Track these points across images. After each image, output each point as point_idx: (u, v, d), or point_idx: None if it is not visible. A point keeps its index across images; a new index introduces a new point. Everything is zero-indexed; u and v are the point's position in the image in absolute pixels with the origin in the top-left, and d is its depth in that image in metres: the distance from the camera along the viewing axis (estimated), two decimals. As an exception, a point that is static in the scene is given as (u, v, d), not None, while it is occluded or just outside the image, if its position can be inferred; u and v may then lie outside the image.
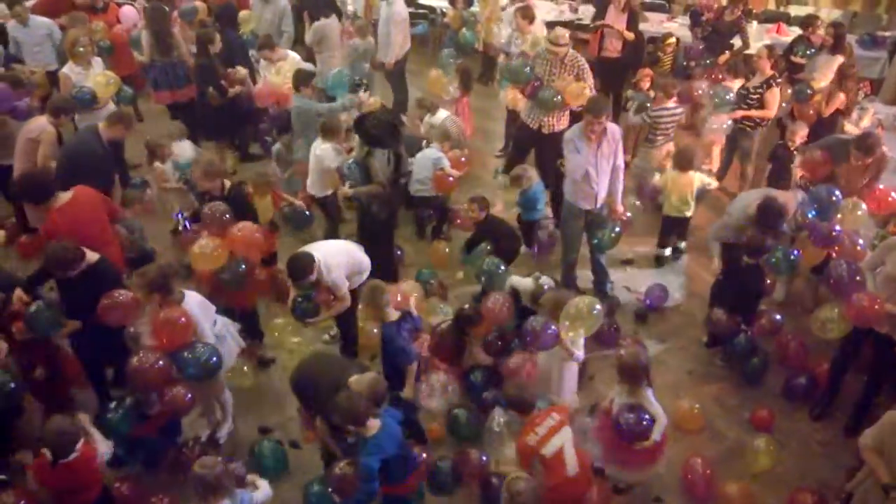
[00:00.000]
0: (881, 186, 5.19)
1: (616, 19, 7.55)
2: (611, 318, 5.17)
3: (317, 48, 7.63)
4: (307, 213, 5.71)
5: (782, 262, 4.70)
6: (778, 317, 4.93)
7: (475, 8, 8.75)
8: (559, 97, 5.83)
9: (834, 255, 4.69)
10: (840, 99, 6.45)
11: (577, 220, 5.31)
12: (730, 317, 4.77)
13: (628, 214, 5.81)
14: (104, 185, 5.04)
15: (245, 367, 4.74)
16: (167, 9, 7.37)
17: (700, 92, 6.74)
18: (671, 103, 6.47)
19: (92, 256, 4.02)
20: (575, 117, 5.92)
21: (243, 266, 4.43)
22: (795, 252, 4.77)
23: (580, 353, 4.06)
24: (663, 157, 6.43)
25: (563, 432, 3.45)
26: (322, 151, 5.65)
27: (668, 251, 6.18)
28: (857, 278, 4.16)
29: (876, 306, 4.00)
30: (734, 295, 4.86)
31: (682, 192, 5.79)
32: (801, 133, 6.11)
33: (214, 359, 3.86)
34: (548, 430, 3.43)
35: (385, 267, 5.23)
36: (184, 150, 6.21)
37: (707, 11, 8.10)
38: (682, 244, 6.24)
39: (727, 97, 6.35)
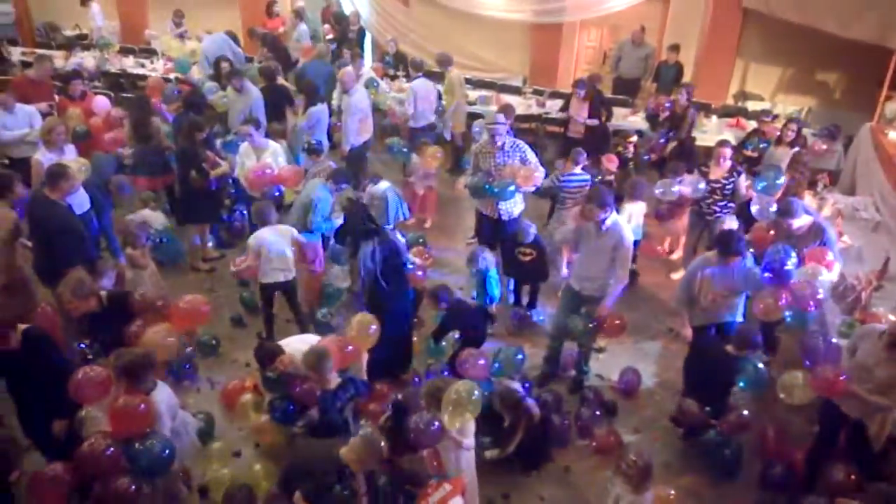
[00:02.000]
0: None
1: (578, 108, 8.16)
2: (587, 410, 5.12)
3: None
4: None
5: (753, 379, 4.59)
6: (746, 413, 4.73)
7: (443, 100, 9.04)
8: (511, 187, 5.99)
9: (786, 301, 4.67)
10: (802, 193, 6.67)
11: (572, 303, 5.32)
12: (699, 408, 4.67)
13: None
14: (84, 248, 5.24)
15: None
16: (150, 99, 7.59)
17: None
18: (578, 170, 6.60)
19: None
20: None
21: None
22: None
23: (469, 440, 3.99)
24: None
25: (454, 502, 3.59)
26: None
27: None
28: (831, 350, 4.14)
29: (840, 380, 3.97)
30: (703, 379, 4.77)
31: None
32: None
33: (167, 452, 3.64)
34: (438, 500, 3.57)
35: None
36: (156, 220, 6.46)
37: (661, 111, 8.42)
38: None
39: (699, 185, 6.38)
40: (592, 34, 11.26)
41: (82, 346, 4.40)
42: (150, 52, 11.77)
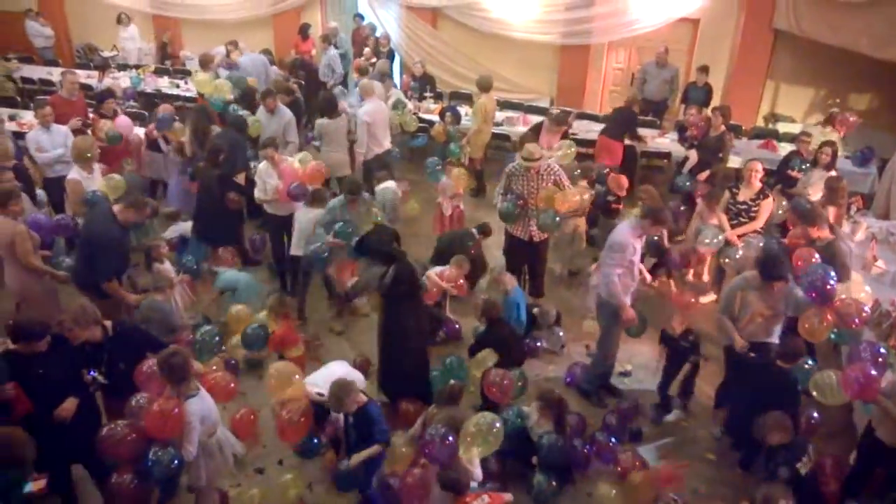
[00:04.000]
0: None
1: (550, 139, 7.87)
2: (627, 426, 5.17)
3: (318, 142, 8.23)
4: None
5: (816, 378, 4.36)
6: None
7: (466, 123, 9.05)
8: (558, 218, 6.01)
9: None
10: (833, 213, 6.53)
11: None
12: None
13: None
14: (121, 265, 5.45)
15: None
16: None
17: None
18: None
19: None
20: None
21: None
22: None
23: (478, 471, 4.01)
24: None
25: None
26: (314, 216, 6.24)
27: None
28: (877, 357, 4.04)
29: (873, 382, 3.88)
30: (763, 401, 4.55)
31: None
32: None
33: (174, 463, 3.70)
34: None
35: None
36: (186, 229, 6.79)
37: (693, 128, 8.40)
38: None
39: (716, 239, 6.37)
40: (620, 56, 11.24)
41: (92, 373, 4.37)
42: (184, 73, 12.07)
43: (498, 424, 3.89)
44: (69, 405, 4.07)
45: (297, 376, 4.49)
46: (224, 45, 10.35)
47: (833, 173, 7.15)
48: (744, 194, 6.31)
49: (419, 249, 7.06)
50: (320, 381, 4.65)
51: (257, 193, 6.82)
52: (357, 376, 4.85)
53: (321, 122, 8.05)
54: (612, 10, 10.25)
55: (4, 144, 6.76)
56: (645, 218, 5.17)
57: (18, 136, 8.17)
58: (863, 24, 8.26)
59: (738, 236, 6.48)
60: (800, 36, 9.28)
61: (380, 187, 7.37)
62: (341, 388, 4.17)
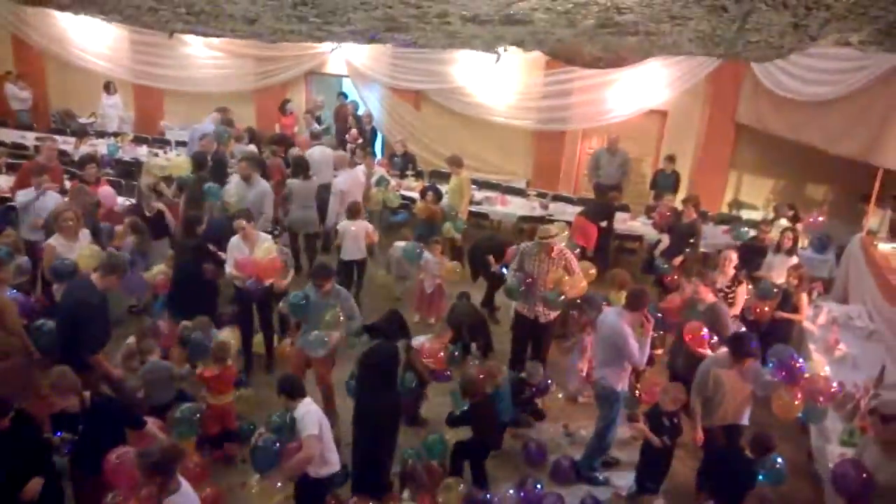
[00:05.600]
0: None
1: None
2: None
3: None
4: None
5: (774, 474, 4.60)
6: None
7: (445, 201, 9.21)
8: (562, 298, 6.18)
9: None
10: (803, 300, 6.85)
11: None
12: None
13: None
14: (104, 336, 5.28)
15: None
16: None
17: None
18: None
19: None
20: None
21: None
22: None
23: None
24: None
25: None
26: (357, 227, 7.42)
27: None
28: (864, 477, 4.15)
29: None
30: (728, 482, 4.71)
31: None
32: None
33: None
34: None
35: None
36: None
37: (657, 215, 8.83)
38: None
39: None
40: (593, 142, 11.80)
41: (59, 434, 4.28)
42: (163, 142, 12.19)
43: None
44: (34, 485, 3.94)
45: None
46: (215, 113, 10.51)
47: (794, 258, 7.52)
48: (719, 281, 6.54)
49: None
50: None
51: (228, 268, 6.62)
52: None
53: (291, 182, 8.42)
54: (588, 99, 10.81)
55: None
56: (629, 304, 5.33)
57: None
58: (819, 121, 8.87)
59: None
60: (761, 130, 9.90)
61: (394, 245, 8.09)
62: None
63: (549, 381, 6.28)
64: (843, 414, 5.58)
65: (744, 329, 6.24)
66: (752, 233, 8.47)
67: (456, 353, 6.05)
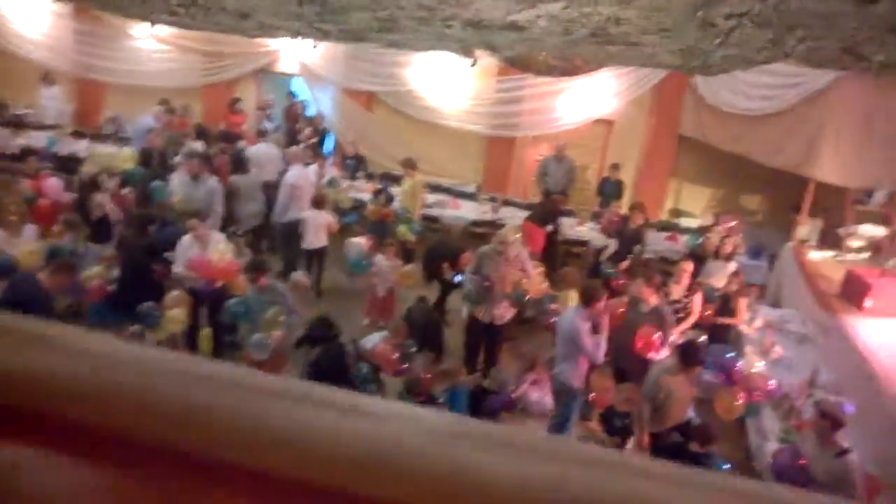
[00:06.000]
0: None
1: None
2: None
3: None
4: None
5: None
6: None
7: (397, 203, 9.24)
8: (527, 298, 6.35)
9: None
10: (741, 305, 7.19)
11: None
12: None
13: None
14: None
15: None
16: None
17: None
18: None
19: None
20: None
21: None
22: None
23: None
24: None
25: None
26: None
27: None
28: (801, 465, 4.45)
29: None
30: None
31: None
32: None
33: None
34: None
35: None
36: None
37: (604, 221, 9.14)
38: None
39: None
40: (542, 149, 12.04)
41: None
42: (105, 137, 11.82)
43: None
44: None
45: None
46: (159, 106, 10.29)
47: (733, 265, 7.89)
48: (676, 292, 6.73)
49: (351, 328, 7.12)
50: None
51: (176, 268, 6.51)
52: None
53: (234, 178, 8.49)
54: (539, 107, 11.03)
55: None
56: (584, 300, 5.54)
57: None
58: (756, 134, 9.35)
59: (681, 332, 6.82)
60: (702, 141, 10.33)
61: (348, 242, 7.90)
62: None
63: (513, 395, 6.38)
64: (780, 413, 5.90)
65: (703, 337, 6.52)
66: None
67: (412, 350, 6.10)
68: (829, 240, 9.18)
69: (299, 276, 6.87)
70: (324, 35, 4.13)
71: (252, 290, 5.74)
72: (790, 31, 2.39)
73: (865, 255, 8.42)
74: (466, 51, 4.86)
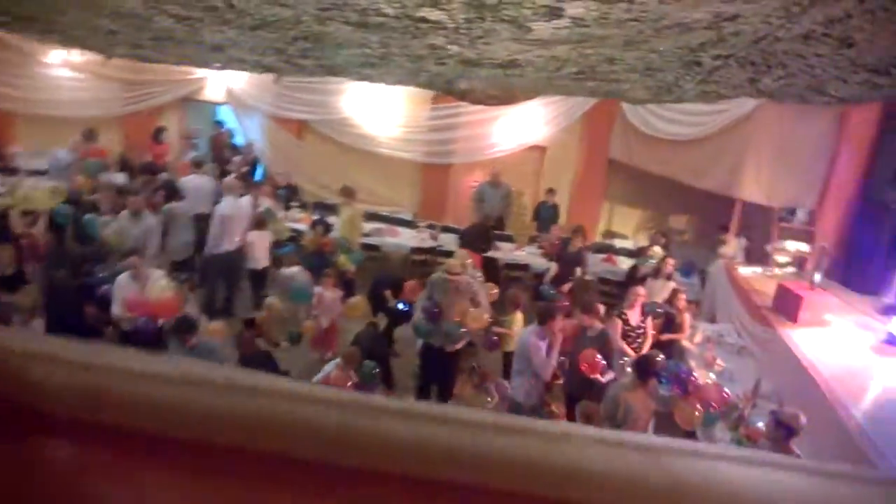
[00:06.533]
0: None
1: None
2: None
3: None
4: None
5: None
6: None
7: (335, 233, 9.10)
8: (463, 330, 6.23)
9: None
10: (685, 321, 7.37)
11: None
12: None
13: None
14: None
15: None
16: None
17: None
18: None
19: None
20: None
21: None
22: None
23: None
24: None
25: None
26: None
27: None
28: None
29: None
30: None
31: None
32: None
33: None
34: None
35: None
36: None
37: (546, 245, 9.20)
38: None
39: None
40: (478, 175, 12.11)
41: None
42: (12, 171, 11.03)
43: None
44: None
45: None
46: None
47: (672, 283, 8.12)
48: (633, 318, 6.80)
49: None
50: None
51: (115, 309, 6.24)
52: None
53: (168, 206, 8.18)
54: (473, 134, 11.13)
55: None
56: (539, 318, 5.56)
57: None
58: (684, 158, 9.73)
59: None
60: (631, 165, 10.66)
61: (286, 271, 7.45)
62: None
63: None
64: (728, 423, 6.03)
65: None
66: (633, 262, 9.05)
67: (373, 371, 5.93)
68: (754, 256, 9.60)
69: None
70: (299, 70, 3.96)
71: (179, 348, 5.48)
72: (769, 70, 2.44)
73: (791, 269, 8.85)
74: (438, 86, 4.76)
